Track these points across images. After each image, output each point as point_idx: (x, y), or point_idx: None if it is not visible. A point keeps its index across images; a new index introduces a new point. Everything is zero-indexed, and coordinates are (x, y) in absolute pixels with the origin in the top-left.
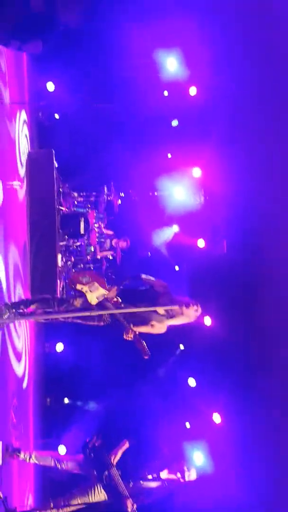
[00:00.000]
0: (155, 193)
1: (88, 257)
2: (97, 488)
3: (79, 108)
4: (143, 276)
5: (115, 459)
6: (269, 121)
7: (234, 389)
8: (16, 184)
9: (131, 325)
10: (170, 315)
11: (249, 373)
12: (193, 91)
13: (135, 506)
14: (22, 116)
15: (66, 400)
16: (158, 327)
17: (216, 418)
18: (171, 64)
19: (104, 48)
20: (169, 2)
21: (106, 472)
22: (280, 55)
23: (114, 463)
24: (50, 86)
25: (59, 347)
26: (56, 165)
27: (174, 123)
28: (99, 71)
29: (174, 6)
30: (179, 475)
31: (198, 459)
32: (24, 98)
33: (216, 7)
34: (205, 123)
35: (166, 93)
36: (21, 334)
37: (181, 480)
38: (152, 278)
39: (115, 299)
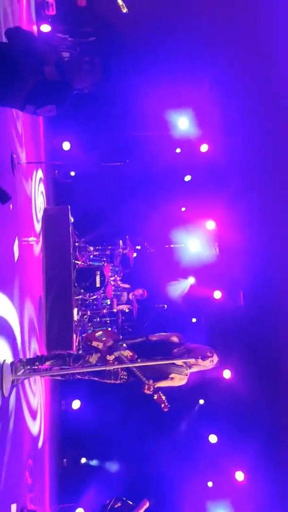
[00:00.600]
0: (171, 246)
1: (104, 311)
2: None
3: (94, 165)
4: (152, 337)
5: None
6: (278, 174)
7: (257, 445)
8: (31, 240)
9: (151, 381)
10: (188, 365)
11: (273, 428)
12: (204, 148)
13: None
14: (39, 174)
15: (83, 460)
16: (179, 379)
17: (239, 476)
18: (183, 123)
19: (118, 108)
20: (181, 66)
21: None
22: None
23: None
24: (66, 145)
25: (76, 404)
26: (72, 220)
27: (187, 178)
28: (113, 130)
29: (186, 70)
30: None
31: None
32: (40, 158)
33: (225, 71)
34: (217, 177)
35: (178, 150)
36: (36, 392)
37: None
38: (163, 334)
39: (130, 354)
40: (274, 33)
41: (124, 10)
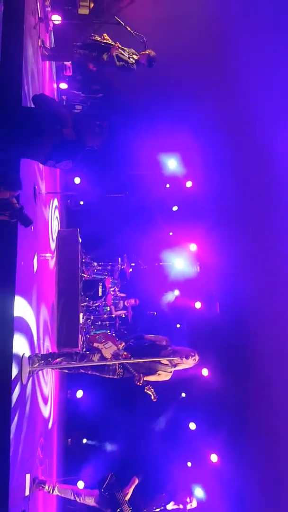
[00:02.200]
0: (160, 263)
1: (105, 316)
2: None
3: (99, 196)
4: (146, 336)
5: (127, 496)
6: (249, 205)
7: (228, 432)
8: (48, 255)
9: (141, 375)
10: (173, 364)
11: (241, 418)
12: (189, 184)
13: None
14: (55, 202)
15: (84, 440)
16: (164, 375)
17: (214, 458)
18: (172, 164)
19: (120, 151)
20: (172, 118)
21: (119, 510)
22: (255, 157)
23: (127, 500)
24: (77, 180)
25: (79, 394)
26: (80, 240)
27: (174, 208)
28: (115, 168)
29: (176, 121)
30: (181, 506)
31: (198, 493)
32: (56, 189)
33: (206, 124)
34: (199, 208)
35: (168, 185)
36: (48, 381)
37: (184, 509)
38: (153, 336)
39: (125, 354)
40: (249, 92)
41: (133, 66)
